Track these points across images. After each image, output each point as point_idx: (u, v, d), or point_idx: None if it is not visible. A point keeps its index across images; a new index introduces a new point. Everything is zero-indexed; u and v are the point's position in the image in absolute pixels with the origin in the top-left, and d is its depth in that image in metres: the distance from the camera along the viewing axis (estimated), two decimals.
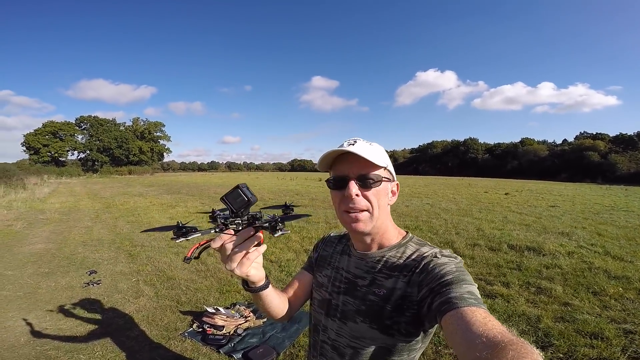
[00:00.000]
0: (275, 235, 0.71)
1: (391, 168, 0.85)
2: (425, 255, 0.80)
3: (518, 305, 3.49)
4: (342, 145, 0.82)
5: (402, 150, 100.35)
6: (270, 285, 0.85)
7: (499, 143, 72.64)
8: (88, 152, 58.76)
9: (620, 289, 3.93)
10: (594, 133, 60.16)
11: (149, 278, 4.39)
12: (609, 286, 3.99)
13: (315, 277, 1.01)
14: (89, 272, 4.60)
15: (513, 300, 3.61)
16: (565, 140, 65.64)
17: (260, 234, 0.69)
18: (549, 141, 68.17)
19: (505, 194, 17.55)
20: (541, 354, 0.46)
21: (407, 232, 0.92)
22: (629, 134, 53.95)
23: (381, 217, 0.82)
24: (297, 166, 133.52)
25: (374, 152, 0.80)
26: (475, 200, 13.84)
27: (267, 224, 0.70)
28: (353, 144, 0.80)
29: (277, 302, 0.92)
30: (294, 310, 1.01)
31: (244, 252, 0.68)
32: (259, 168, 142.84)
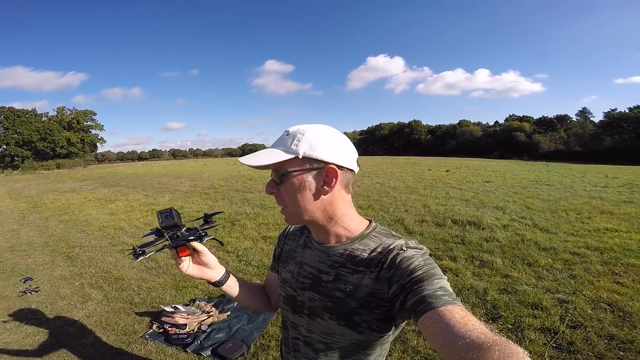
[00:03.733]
0: (204, 242, 0.90)
1: (317, 154, 0.73)
2: (390, 248, 0.75)
3: (466, 278, 3.77)
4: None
5: (353, 132, 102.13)
6: (227, 281, 0.97)
7: (439, 125, 77.21)
8: (4, 147, 51.44)
9: (550, 259, 4.34)
10: (521, 116, 66.02)
11: (95, 280, 4.07)
12: (540, 257, 4.40)
13: (280, 274, 0.97)
14: (23, 280, 4.14)
15: (461, 274, 3.91)
16: (496, 122, 71.23)
17: (179, 252, 0.86)
18: (482, 123, 73.84)
19: (446, 171, 18.71)
20: (526, 352, 0.46)
21: (370, 221, 0.86)
22: (549, 116, 60.30)
23: (305, 211, 0.77)
24: (249, 151, 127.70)
25: (279, 145, 0.76)
26: (420, 178, 14.61)
27: (190, 239, 0.87)
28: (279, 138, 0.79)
29: (246, 295, 1.03)
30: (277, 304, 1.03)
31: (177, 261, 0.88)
32: (207, 154, 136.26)
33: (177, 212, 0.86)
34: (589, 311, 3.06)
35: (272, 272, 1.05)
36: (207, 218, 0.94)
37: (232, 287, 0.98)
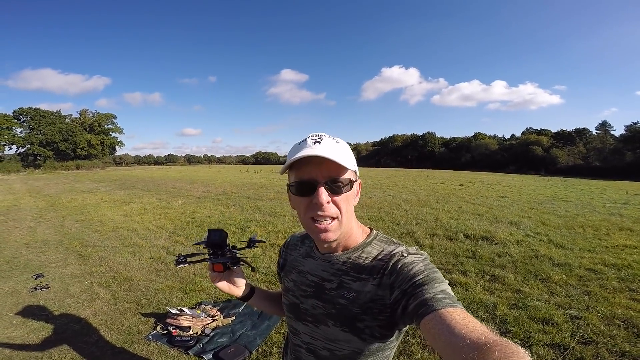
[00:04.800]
0: (234, 268, 0.96)
1: (356, 167, 0.78)
2: (392, 254, 0.77)
3: (476, 293, 3.69)
4: (305, 142, 0.74)
5: (365, 143, 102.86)
6: (252, 297, 1.04)
7: (454, 137, 76.95)
8: (29, 146, 53.39)
9: (564, 275, 4.24)
10: (539, 129, 65.10)
11: (104, 280, 4.13)
12: (554, 273, 4.29)
13: (283, 283, 0.99)
14: (35, 276, 4.23)
15: (471, 288, 3.82)
16: (513, 135, 70.49)
17: (214, 267, 0.94)
18: (499, 136, 73.08)
19: (460, 185, 18.51)
20: (527, 352, 0.46)
21: (371, 229, 0.87)
22: (568, 130, 59.10)
23: (349, 221, 0.78)
24: (262, 159, 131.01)
25: (342, 151, 0.74)
26: (432, 192, 14.47)
27: (225, 260, 0.94)
28: (319, 142, 0.73)
29: (272, 307, 1.09)
30: None
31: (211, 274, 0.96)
32: (221, 161, 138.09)
33: (226, 234, 0.95)
34: (602, 327, 2.97)
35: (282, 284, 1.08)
36: (252, 243, 1.01)
37: (255, 301, 1.05)
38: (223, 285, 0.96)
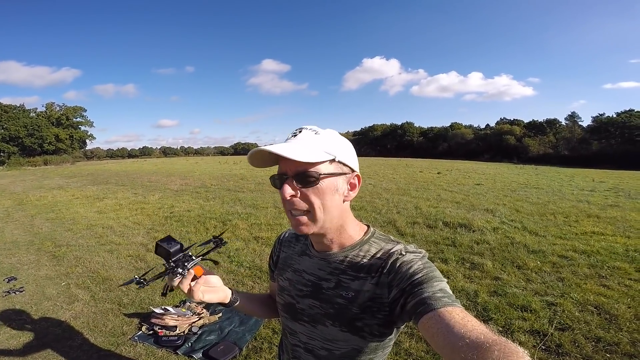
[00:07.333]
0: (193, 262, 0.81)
1: (347, 159, 0.75)
2: (390, 253, 0.76)
3: (457, 280, 3.80)
4: (287, 139, 0.75)
5: (346, 132, 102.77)
6: (239, 300, 0.92)
7: (431, 127, 78.21)
8: None
9: (539, 262, 4.42)
10: (512, 119, 66.89)
11: (82, 281, 3.99)
12: (529, 260, 4.47)
13: (277, 282, 0.96)
14: (7, 280, 4.03)
15: (452, 275, 3.94)
16: (487, 125, 72.14)
17: (195, 272, 0.80)
18: (474, 126, 74.81)
19: (438, 173, 18.89)
20: (525, 352, 0.46)
21: (368, 227, 0.86)
22: (539, 120, 61.27)
23: (329, 216, 0.75)
24: (241, 150, 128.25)
25: (315, 144, 0.72)
26: (412, 180, 14.74)
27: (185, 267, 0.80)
28: (295, 135, 0.73)
29: (259, 310, 1.04)
30: None
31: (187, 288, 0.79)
32: (198, 152, 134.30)
33: (174, 240, 0.81)
34: (577, 314, 3.11)
35: (273, 282, 1.04)
36: (217, 240, 0.90)
37: (242, 304, 0.95)
38: (211, 295, 0.82)
